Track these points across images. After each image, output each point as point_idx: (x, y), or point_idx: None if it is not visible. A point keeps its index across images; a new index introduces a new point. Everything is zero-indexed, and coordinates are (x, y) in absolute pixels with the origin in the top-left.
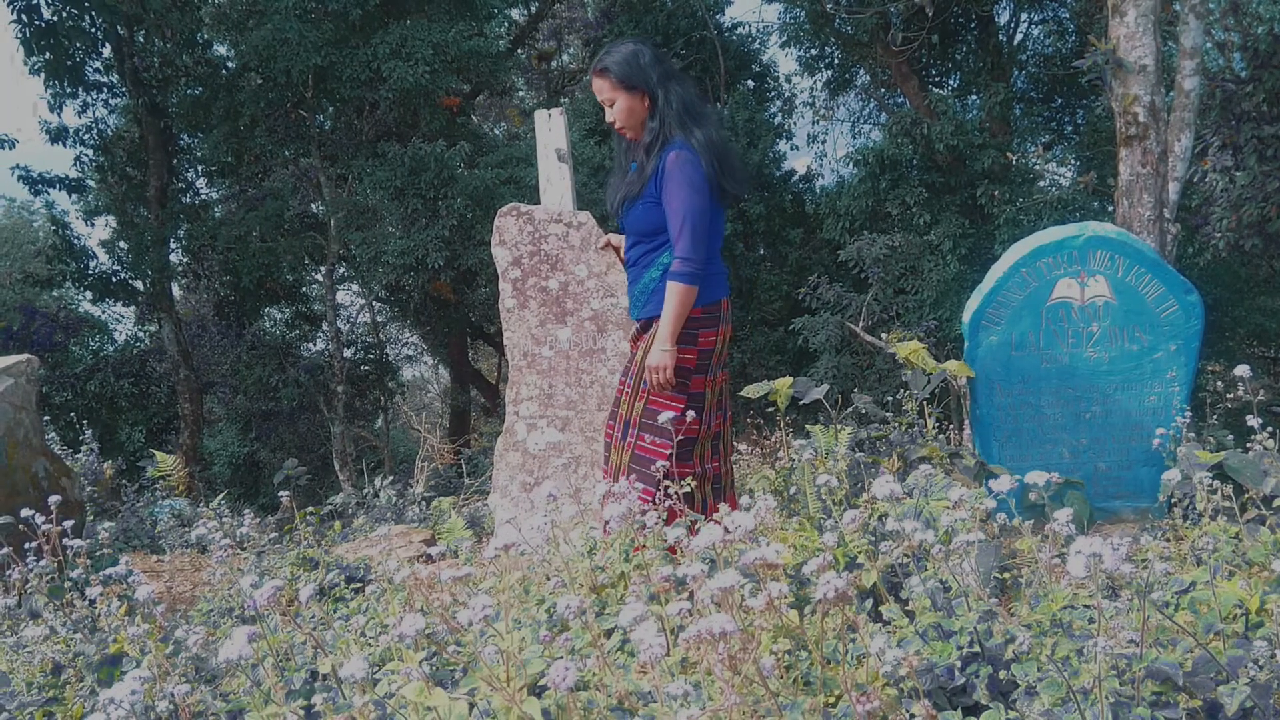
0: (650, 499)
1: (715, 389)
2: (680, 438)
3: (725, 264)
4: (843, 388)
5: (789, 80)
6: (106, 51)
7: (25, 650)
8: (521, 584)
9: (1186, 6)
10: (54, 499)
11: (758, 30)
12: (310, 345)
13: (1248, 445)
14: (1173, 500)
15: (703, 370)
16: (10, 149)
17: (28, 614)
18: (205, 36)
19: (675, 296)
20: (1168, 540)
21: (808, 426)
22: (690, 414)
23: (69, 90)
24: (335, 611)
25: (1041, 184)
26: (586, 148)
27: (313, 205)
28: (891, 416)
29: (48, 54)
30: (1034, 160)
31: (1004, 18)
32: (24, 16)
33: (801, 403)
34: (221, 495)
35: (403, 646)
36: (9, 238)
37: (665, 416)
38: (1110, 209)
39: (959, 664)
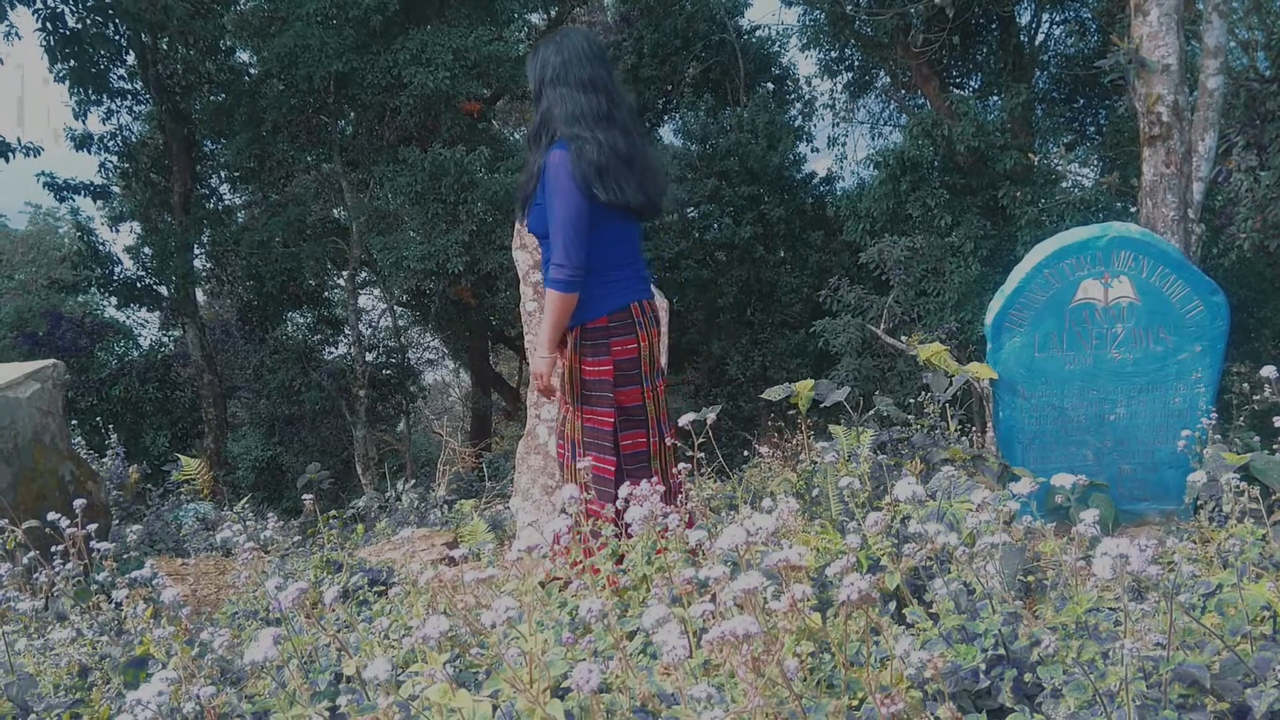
0: (602, 514)
1: (659, 399)
2: (629, 454)
3: (744, 265)
4: (864, 390)
5: (809, 82)
6: (130, 59)
7: (52, 652)
8: (544, 586)
9: (1210, 5)
10: (80, 502)
11: (777, 33)
12: (332, 349)
13: (1274, 447)
14: (1199, 502)
15: (630, 381)
16: (35, 156)
17: (55, 616)
18: (228, 43)
19: (549, 304)
20: (1194, 543)
21: (830, 428)
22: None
23: (94, 97)
24: (359, 614)
25: (1064, 185)
26: None
27: (334, 210)
28: (913, 419)
29: (72, 61)
30: (1056, 161)
31: (1025, 18)
32: (49, 25)
33: (822, 405)
34: (245, 499)
35: (427, 648)
36: (35, 244)
37: (601, 432)
38: (1133, 210)
39: (984, 666)
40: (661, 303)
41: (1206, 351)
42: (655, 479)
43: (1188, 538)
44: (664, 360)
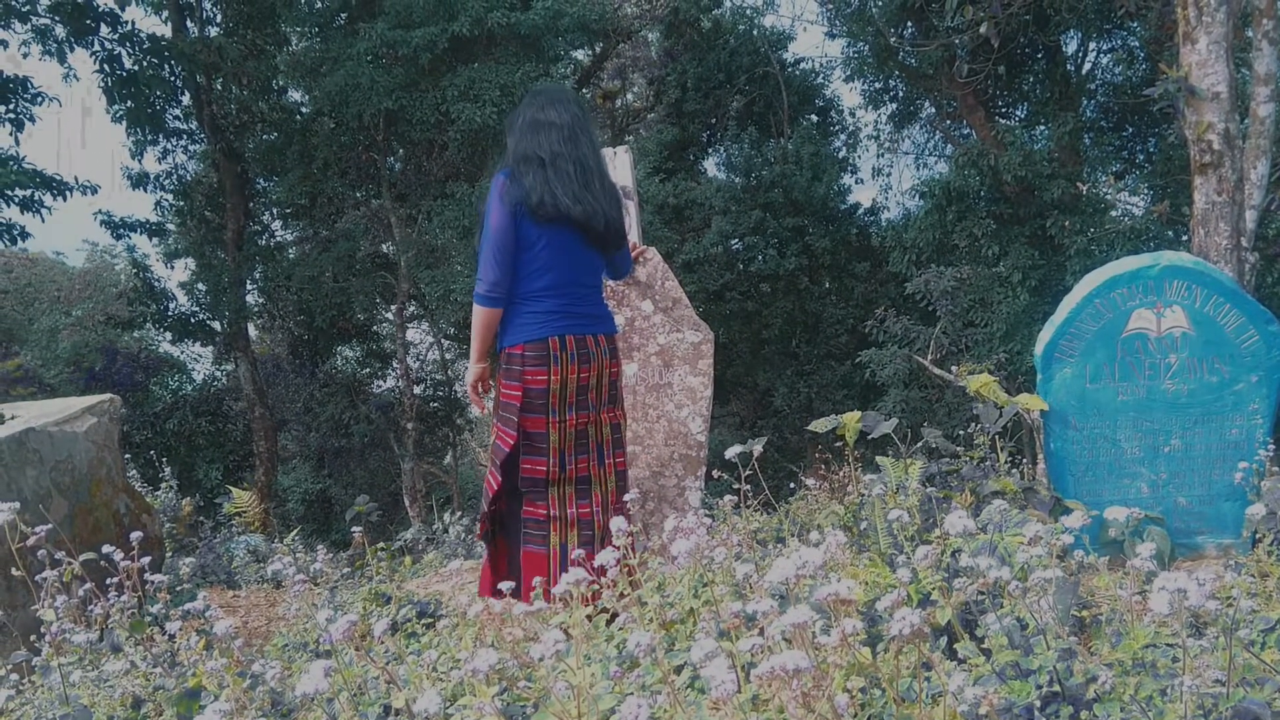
0: (480, 530)
1: (567, 432)
2: (527, 477)
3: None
4: (912, 422)
5: (853, 114)
6: (186, 99)
7: (107, 684)
8: (592, 620)
9: (1260, 33)
10: (135, 535)
11: (821, 65)
12: (381, 383)
13: None
14: (1257, 535)
15: (536, 410)
16: (93, 195)
17: (109, 648)
18: (280, 83)
19: (474, 316)
20: (1253, 576)
21: (877, 460)
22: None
23: (150, 137)
24: (408, 646)
25: (1113, 214)
26: (651, 185)
27: (383, 245)
28: (962, 451)
29: (129, 102)
30: (1105, 190)
31: (1071, 47)
32: (106, 66)
33: (870, 437)
34: (295, 531)
35: (475, 681)
36: (92, 281)
37: (499, 449)
38: (1185, 238)
39: (1039, 703)
40: (702, 335)
41: (1263, 382)
42: (582, 509)
43: (1246, 571)
44: (609, 393)
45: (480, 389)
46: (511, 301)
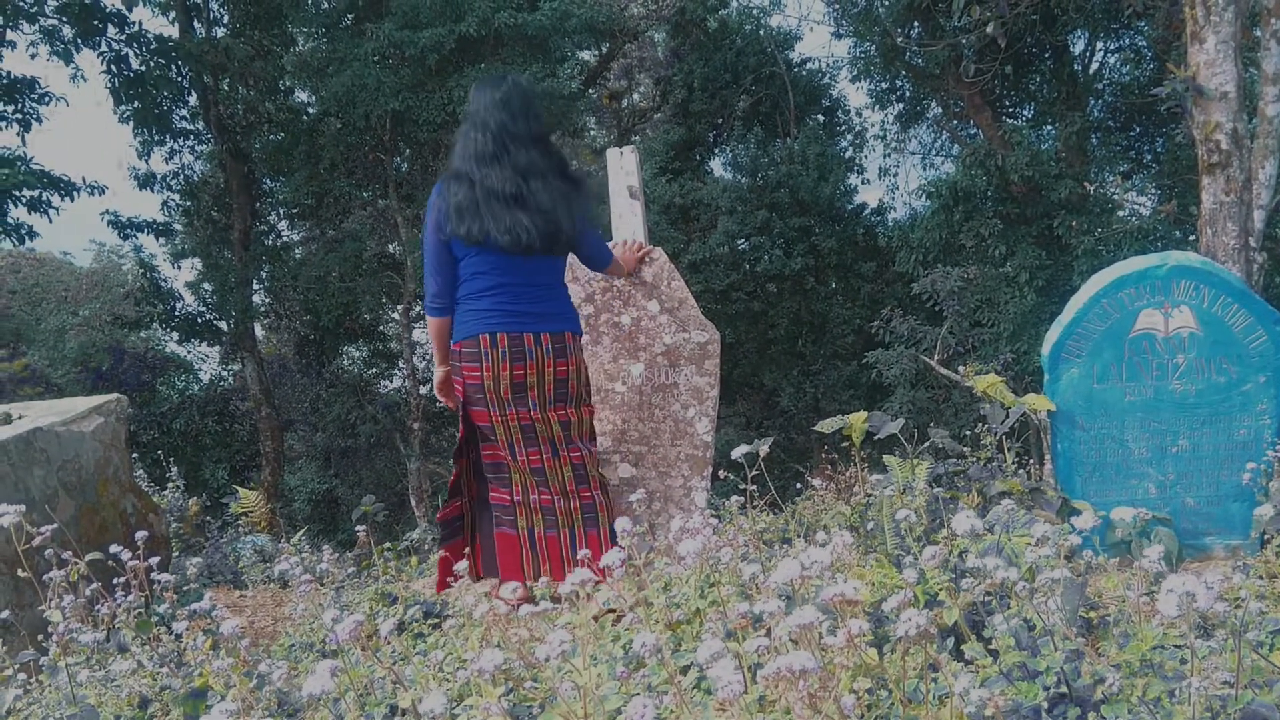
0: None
1: (510, 426)
2: (488, 461)
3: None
4: (918, 422)
5: (859, 114)
6: (192, 100)
7: (114, 684)
8: (598, 620)
9: (1268, 32)
10: (141, 535)
11: (827, 65)
12: (387, 383)
13: None
14: (1266, 537)
15: (477, 404)
16: (100, 195)
17: (116, 648)
18: (287, 84)
19: (428, 325)
20: (1261, 578)
21: (884, 460)
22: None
23: (156, 138)
24: (414, 646)
25: (1121, 214)
26: (658, 185)
27: (390, 245)
28: (969, 451)
29: (136, 103)
30: (1113, 190)
31: (1079, 47)
32: (113, 67)
33: (876, 438)
34: (301, 531)
35: (481, 681)
36: (99, 281)
37: (458, 436)
38: (1193, 238)
39: (1046, 705)
40: (709, 335)
41: (1271, 382)
42: (542, 496)
43: (1255, 573)
44: (554, 390)
45: (446, 390)
46: (457, 302)
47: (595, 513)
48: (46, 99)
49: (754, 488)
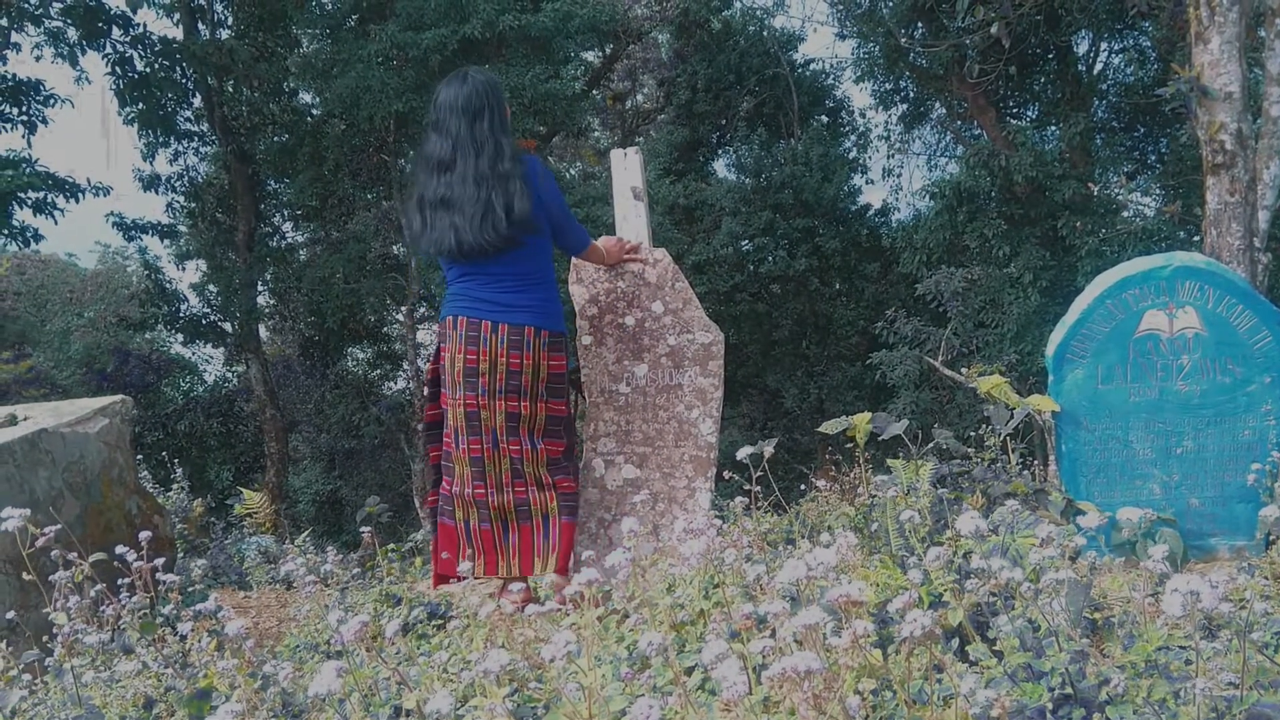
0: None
1: (458, 411)
2: (446, 449)
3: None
4: (922, 423)
5: (863, 115)
6: (197, 102)
7: (118, 684)
8: (602, 621)
9: (1272, 32)
10: (146, 536)
11: (831, 66)
12: (392, 384)
13: None
14: (1271, 537)
15: (440, 385)
16: (105, 196)
17: (121, 649)
18: (291, 85)
19: None
20: (1266, 578)
21: (888, 462)
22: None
23: (161, 139)
24: (419, 647)
25: (1125, 214)
26: (662, 186)
27: (394, 247)
28: (974, 452)
29: (141, 105)
30: (1117, 190)
31: (1083, 47)
32: (118, 69)
33: (881, 439)
34: (306, 532)
35: (486, 682)
36: (104, 283)
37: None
38: (1197, 239)
39: (1050, 706)
40: (712, 336)
41: (1276, 383)
42: (477, 489)
43: (1260, 573)
44: (505, 381)
45: None
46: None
47: (529, 508)
48: (51, 101)
49: (758, 489)
